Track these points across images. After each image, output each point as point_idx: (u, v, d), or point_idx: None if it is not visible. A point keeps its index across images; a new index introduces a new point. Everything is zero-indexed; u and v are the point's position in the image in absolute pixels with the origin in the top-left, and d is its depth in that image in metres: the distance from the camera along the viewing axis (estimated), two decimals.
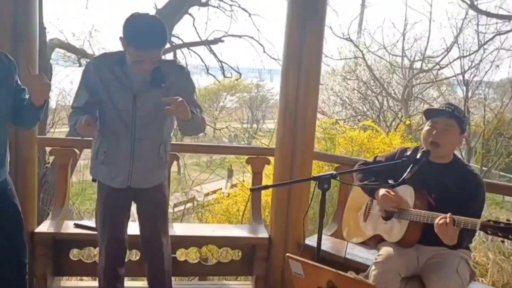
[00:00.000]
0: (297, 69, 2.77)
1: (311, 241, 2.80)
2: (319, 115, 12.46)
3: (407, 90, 10.54)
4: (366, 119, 10.81)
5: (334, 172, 2.08)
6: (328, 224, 3.26)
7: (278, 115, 2.96)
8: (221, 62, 6.38)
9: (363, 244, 2.62)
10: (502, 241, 2.06)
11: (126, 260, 2.49)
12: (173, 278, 2.62)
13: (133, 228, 2.50)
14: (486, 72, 9.56)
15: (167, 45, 6.20)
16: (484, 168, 9.39)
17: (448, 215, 2.03)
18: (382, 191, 2.39)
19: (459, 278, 2.18)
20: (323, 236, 3.06)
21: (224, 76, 6.49)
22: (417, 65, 10.93)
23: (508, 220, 1.91)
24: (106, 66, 2.23)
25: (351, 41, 10.99)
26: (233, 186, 8.12)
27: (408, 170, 2.24)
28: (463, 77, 9.69)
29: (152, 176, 2.38)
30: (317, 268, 1.88)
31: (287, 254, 1.96)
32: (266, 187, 2.07)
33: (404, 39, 10.88)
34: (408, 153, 2.36)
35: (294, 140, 2.84)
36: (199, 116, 2.27)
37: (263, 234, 3.02)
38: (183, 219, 8.70)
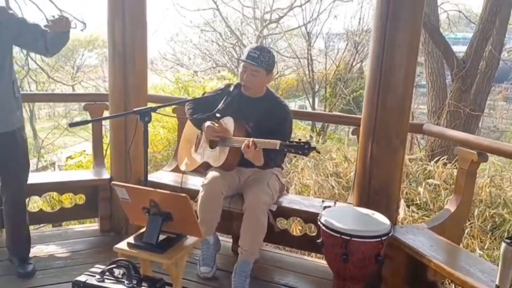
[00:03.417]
0: (121, 14, 2.87)
1: (150, 176, 3.02)
2: (179, 68, 12.53)
3: (260, 40, 11.12)
4: (224, 70, 11.17)
5: (153, 105, 2.29)
6: (170, 161, 3.53)
7: (109, 61, 3.03)
8: (61, 11, 6.00)
9: (196, 171, 2.91)
10: (295, 156, 2.47)
11: None
12: None
13: None
14: (324, 22, 10.63)
15: None
16: (327, 111, 10.52)
17: (251, 139, 2.39)
18: (207, 123, 2.69)
19: (269, 189, 2.61)
20: (164, 172, 3.35)
21: None
22: (268, 16, 11.55)
23: (299, 139, 2.32)
24: None
25: None
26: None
27: (222, 101, 2.57)
28: (306, 28, 10.58)
29: (12, 118, 2.41)
30: (138, 190, 2.11)
31: (112, 182, 2.15)
32: (86, 122, 2.18)
33: None
34: (224, 87, 2.69)
35: (126, 83, 2.96)
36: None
37: (105, 175, 3.17)
38: None
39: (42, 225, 3.89)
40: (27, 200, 3.73)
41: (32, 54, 7.92)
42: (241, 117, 2.67)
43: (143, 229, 2.13)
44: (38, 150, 10.49)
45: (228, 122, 2.67)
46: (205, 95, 2.86)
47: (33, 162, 10.48)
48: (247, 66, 2.59)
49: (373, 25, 2.45)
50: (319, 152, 2.37)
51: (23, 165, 2.54)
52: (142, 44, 2.99)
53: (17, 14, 2.44)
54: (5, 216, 2.59)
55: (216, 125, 2.66)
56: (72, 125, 2.03)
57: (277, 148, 2.29)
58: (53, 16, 2.34)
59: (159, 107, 2.31)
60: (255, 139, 2.38)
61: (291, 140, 2.31)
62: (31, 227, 3.81)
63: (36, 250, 2.84)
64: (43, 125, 14.52)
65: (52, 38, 2.39)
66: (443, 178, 4.20)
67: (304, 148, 2.21)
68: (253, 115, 2.67)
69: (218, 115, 2.74)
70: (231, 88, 2.61)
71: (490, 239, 3.50)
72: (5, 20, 2.34)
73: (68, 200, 4.01)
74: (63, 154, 10.57)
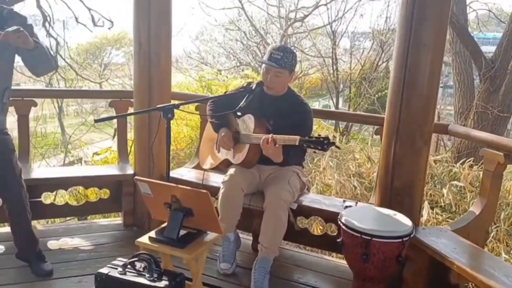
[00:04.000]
0: (147, 13, 2.91)
1: (172, 173, 3.06)
2: (203, 66, 12.63)
3: (284, 39, 11.10)
4: (248, 69, 11.21)
5: (176, 103, 2.32)
6: (192, 158, 3.57)
7: (134, 59, 3.08)
8: (89, 9, 6.16)
9: (217, 169, 2.94)
10: (314, 152, 2.49)
11: None
12: (43, 221, 2.72)
13: None
14: (350, 20, 10.56)
15: None
16: (351, 111, 10.40)
17: (270, 135, 2.39)
18: (222, 132, 2.71)
19: (290, 187, 2.62)
20: (186, 169, 3.39)
21: (95, 25, 6.28)
22: (293, 15, 11.52)
23: (319, 135, 2.32)
24: None
25: None
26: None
27: (244, 99, 2.58)
28: (331, 27, 10.53)
29: None
30: (161, 185, 2.14)
31: (135, 177, 2.19)
32: (110, 118, 2.24)
33: None
34: (246, 85, 2.70)
35: (150, 80, 3.01)
36: (43, 46, 2.33)
37: (129, 171, 3.23)
38: None
39: (68, 218, 4.00)
40: (53, 194, 3.86)
41: (61, 52, 8.16)
42: (262, 115, 2.68)
43: (165, 224, 2.16)
44: (66, 146, 10.73)
45: (249, 119, 2.69)
46: (227, 93, 2.88)
47: (60, 157, 10.77)
48: (270, 68, 2.60)
49: (398, 24, 2.42)
50: (338, 148, 2.35)
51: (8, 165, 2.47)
52: (167, 43, 3.03)
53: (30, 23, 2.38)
54: (8, 216, 2.57)
55: (228, 135, 2.69)
56: (97, 120, 2.08)
57: (297, 143, 2.28)
58: (11, 27, 2.18)
59: (181, 104, 2.34)
60: (274, 135, 2.38)
61: (311, 136, 2.29)
62: (57, 220, 3.96)
63: (62, 243, 2.93)
64: (71, 122, 14.83)
65: (30, 56, 2.30)
66: (469, 180, 4.11)
67: (323, 144, 2.20)
68: (274, 113, 2.68)
69: (239, 113, 2.77)
70: (253, 86, 2.62)
71: None
72: (17, 24, 2.27)
73: (93, 194, 4.11)
74: (89, 150, 10.78)
